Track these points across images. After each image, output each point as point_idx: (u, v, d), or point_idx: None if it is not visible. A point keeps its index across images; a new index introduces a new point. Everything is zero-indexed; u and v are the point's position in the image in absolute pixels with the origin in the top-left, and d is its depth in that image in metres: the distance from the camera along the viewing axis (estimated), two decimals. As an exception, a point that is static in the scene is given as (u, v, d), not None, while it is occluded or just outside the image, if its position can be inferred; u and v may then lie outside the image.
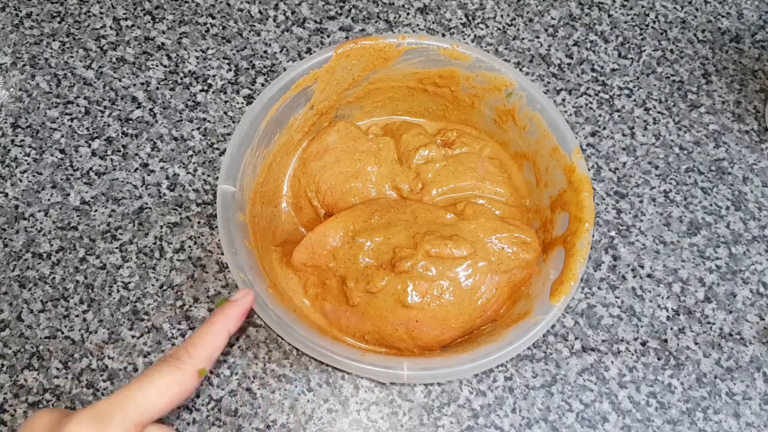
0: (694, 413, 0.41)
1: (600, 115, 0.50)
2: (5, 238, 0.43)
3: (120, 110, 0.48)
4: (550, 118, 0.39)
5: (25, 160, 0.46)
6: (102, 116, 0.47)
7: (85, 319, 0.41)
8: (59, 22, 0.51)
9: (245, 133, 0.36)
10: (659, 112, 0.51)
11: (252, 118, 0.37)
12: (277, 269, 0.39)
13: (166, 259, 0.43)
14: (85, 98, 0.48)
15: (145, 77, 0.49)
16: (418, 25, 0.53)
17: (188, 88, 0.49)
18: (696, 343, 0.43)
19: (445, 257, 0.36)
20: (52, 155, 0.46)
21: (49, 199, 0.44)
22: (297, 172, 0.42)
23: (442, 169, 0.41)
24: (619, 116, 0.50)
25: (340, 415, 0.40)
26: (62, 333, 0.41)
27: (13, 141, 0.46)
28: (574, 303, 0.43)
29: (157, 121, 0.47)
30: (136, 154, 0.46)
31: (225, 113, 0.48)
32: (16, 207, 0.44)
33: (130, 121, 0.47)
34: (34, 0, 0.52)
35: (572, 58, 0.52)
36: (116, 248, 0.43)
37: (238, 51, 0.51)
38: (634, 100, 0.51)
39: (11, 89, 0.48)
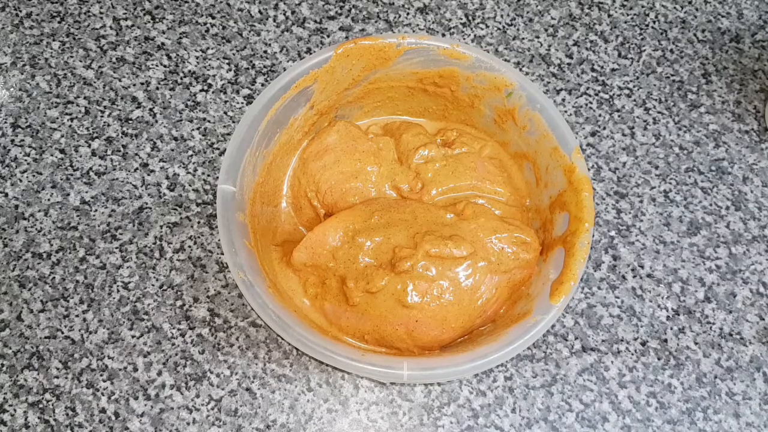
0: (694, 413, 0.41)
1: (600, 115, 0.50)
2: (5, 238, 0.43)
3: (120, 110, 0.48)
4: (550, 118, 0.39)
5: (25, 160, 0.46)
6: (102, 116, 0.47)
7: (85, 319, 0.41)
8: (59, 22, 0.51)
9: (245, 133, 0.36)
10: (659, 112, 0.51)
11: (252, 118, 0.37)
12: (277, 269, 0.39)
13: (166, 259, 0.43)
14: (85, 98, 0.48)
15: (145, 77, 0.49)
16: (418, 25, 0.53)
17: (188, 88, 0.49)
18: (696, 343, 0.43)
19: (445, 257, 0.36)
20: (52, 155, 0.46)
21: (49, 199, 0.44)
22: (297, 172, 0.42)
23: (441, 169, 0.41)
24: (619, 116, 0.50)
25: (340, 415, 0.40)
26: (62, 333, 0.41)
27: (13, 141, 0.46)
28: (574, 303, 0.43)
29: (157, 121, 0.47)
30: (136, 154, 0.46)
31: (225, 113, 0.48)
32: (16, 207, 0.44)
33: (130, 121, 0.47)
34: (34, 0, 0.52)
35: (572, 58, 0.52)
36: (116, 248, 0.43)
37: (238, 51, 0.51)
38: (634, 100, 0.51)
39: (11, 89, 0.48)
